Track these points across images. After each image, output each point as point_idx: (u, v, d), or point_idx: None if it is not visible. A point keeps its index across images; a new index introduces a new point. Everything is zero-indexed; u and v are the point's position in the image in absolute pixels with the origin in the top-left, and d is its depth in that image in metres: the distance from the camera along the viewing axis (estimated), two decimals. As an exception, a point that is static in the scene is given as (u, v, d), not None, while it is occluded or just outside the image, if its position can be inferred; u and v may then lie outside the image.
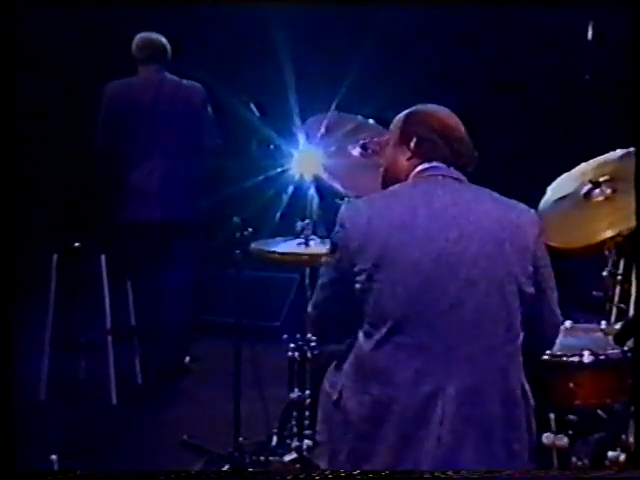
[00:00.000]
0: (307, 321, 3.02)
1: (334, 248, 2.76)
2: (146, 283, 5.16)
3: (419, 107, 2.89)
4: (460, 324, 2.62)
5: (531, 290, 2.71)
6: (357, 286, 2.68)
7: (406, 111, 2.90)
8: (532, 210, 2.81)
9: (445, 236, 2.65)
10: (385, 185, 2.89)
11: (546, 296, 2.77)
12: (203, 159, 5.10)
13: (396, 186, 2.83)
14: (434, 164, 2.78)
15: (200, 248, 5.22)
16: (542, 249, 2.76)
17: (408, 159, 2.83)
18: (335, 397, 2.73)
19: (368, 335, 2.68)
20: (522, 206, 2.79)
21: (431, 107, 2.88)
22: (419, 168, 2.80)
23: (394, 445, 2.62)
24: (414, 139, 2.81)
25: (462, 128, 2.84)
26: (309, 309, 2.91)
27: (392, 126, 2.92)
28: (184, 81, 5.14)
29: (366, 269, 2.66)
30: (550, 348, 3.03)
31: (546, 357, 3.09)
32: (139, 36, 5.16)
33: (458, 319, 2.62)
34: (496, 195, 2.79)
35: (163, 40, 5.17)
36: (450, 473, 2.53)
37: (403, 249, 2.64)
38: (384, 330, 2.64)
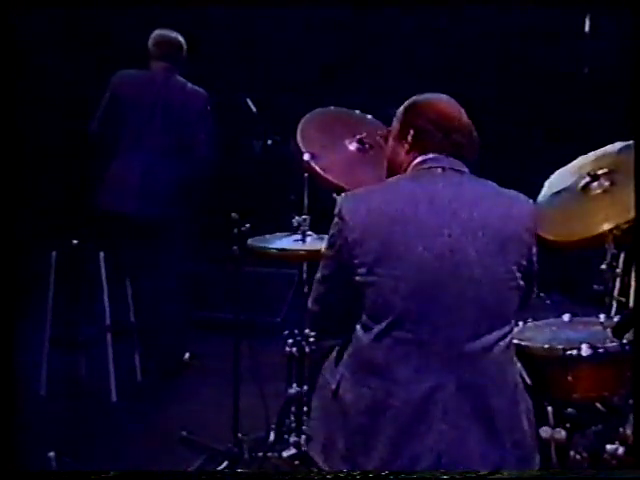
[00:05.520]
0: (308, 317, 2.99)
1: (333, 240, 2.74)
2: (131, 279, 5.14)
3: (419, 97, 2.85)
4: (461, 321, 2.61)
5: (523, 283, 2.70)
6: (357, 278, 2.66)
7: (406, 102, 2.87)
8: (530, 201, 2.79)
9: (448, 232, 2.63)
10: (389, 178, 2.86)
11: (524, 292, 2.74)
12: (192, 165, 5.02)
13: (394, 178, 2.81)
14: (432, 156, 2.75)
15: (184, 244, 5.18)
16: (535, 242, 2.75)
17: (407, 152, 2.80)
18: (334, 387, 2.71)
19: (367, 328, 2.66)
20: (522, 198, 2.77)
21: (430, 97, 2.84)
22: (418, 160, 2.77)
23: (393, 439, 2.60)
24: (411, 131, 2.79)
25: (463, 117, 2.80)
26: (309, 305, 2.88)
27: (394, 118, 2.89)
28: (189, 84, 5.09)
29: (366, 262, 2.64)
30: None
31: (545, 350, 3.08)
32: (156, 32, 5.13)
33: (459, 316, 2.60)
34: (498, 188, 2.76)
35: (179, 40, 5.11)
36: (452, 474, 2.51)
37: (405, 244, 2.62)
38: (384, 324, 2.62)
